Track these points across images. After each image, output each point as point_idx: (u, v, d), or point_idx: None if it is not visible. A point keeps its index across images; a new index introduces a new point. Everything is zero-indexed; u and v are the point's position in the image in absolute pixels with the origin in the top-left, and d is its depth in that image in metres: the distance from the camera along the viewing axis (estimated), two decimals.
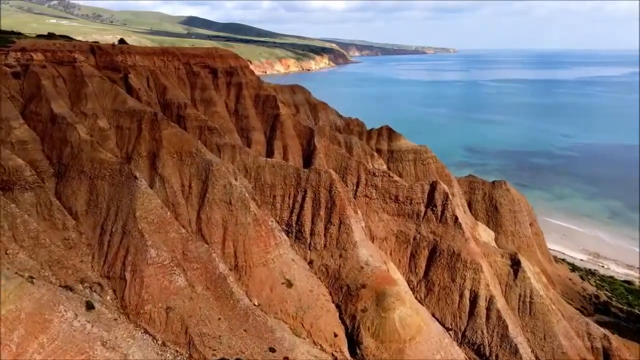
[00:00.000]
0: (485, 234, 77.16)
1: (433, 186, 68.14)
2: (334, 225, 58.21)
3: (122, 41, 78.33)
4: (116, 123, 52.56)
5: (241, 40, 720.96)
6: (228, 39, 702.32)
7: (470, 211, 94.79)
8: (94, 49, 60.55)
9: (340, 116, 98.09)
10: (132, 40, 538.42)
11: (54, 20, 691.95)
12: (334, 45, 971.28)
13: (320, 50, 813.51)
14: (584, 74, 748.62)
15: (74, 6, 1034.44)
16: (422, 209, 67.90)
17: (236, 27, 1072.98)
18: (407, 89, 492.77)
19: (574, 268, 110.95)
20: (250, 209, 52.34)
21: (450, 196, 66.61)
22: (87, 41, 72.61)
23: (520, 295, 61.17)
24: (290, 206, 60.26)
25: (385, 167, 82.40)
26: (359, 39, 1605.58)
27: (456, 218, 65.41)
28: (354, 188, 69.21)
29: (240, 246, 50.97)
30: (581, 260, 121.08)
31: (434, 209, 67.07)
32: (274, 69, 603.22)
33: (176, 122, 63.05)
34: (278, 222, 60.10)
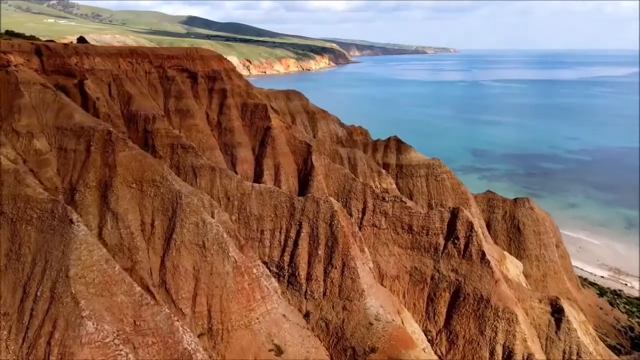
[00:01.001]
0: (513, 266, 65.95)
1: (454, 214, 56.76)
2: (336, 268, 46.85)
3: (81, 40, 66.60)
4: (58, 144, 41.17)
5: (241, 40, 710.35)
6: (228, 39, 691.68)
7: (489, 232, 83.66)
8: (40, 49, 49.11)
9: (342, 125, 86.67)
10: (130, 40, 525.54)
11: (51, 20, 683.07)
12: (334, 45, 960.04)
13: (320, 50, 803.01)
14: (586, 74, 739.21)
15: (73, 5, 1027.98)
16: (441, 241, 56.55)
17: (236, 26, 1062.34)
18: (409, 89, 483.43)
19: (601, 292, 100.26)
20: (230, 254, 40.96)
21: (475, 226, 55.27)
22: (39, 39, 61.25)
23: (564, 352, 49.91)
24: (282, 243, 48.92)
25: (394, 186, 71.02)
26: (359, 38, 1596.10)
27: (483, 254, 54.06)
28: (360, 216, 57.89)
29: (215, 303, 39.62)
30: (602, 277, 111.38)
31: (456, 242, 55.71)
32: (273, 69, 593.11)
33: (142, 139, 51.77)
34: (267, 264, 48.78)
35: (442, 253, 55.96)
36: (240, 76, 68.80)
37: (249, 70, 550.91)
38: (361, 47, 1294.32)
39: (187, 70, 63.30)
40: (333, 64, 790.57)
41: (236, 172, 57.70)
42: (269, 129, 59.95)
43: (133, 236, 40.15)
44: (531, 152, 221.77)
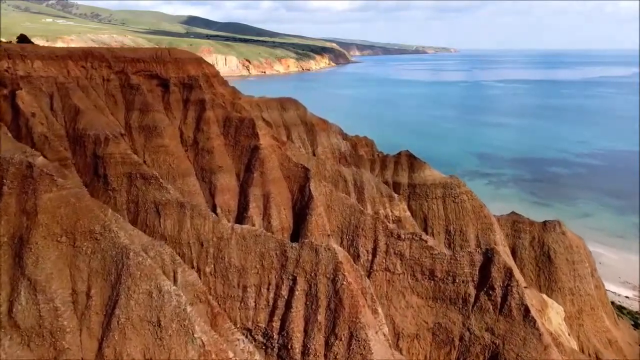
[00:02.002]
0: (554, 312, 54.77)
1: (488, 256, 45.43)
2: (341, 340, 35.44)
3: (23, 39, 54.94)
4: None
5: (241, 40, 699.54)
6: (228, 39, 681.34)
7: (515, 261, 72.36)
8: None
9: (345, 137, 75.32)
10: (128, 40, 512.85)
11: (50, 20, 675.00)
12: (334, 45, 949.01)
13: (320, 50, 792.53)
14: (589, 74, 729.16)
15: (72, 5, 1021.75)
16: (472, 291, 45.22)
17: (236, 26, 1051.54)
18: (410, 90, 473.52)
19: (635, 322, 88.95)
20: (195, 335, 29.56)
21: (515, 274, 43.99)
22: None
23: None
24: (271, 304, 37.53)
25: (408, 213, 59.71)
26: (360, 38, 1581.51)
27: (526, 310, 42.73)
28: (369, 258, 46.52)
29: None
30: (626, 297, 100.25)
31: (491, 292, 44.33)
32: (273, 69, 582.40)
33: (92, 166, 40.42)
34: (250, 331, 37.40)
35: (473, 306, 44.65)
36: (224, 83, 57.33)
37: (248, 70, 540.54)
38: (361, 47, 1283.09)
39: (157, 77, 51.56)
40: (333, 64, 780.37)
41: (215, 205, 46.40)
42: (257, 149, 48.33)
43: (58, 313, 28.74)
44: (537, 155, 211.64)
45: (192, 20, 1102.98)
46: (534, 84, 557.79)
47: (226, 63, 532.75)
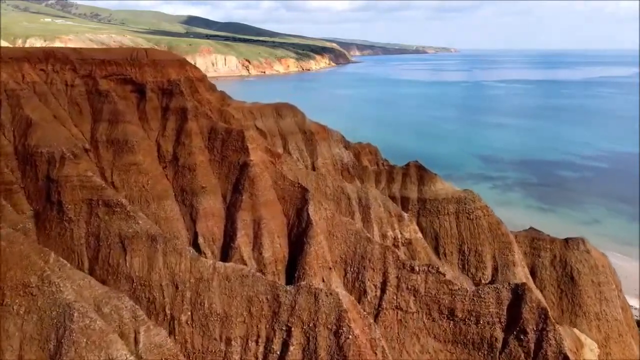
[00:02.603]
0: (587, 350, 48.08)
1: (518, 293, 38.71)
2: None
3: None
4: None
5: (241, 40, 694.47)
6: (227, 39, 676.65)
7: (534, 282, 65.62)
8: None
9: (347, 146, 68.49)
10: (127, 40, 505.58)
11: (48, 19, 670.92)
12: (334, 45, 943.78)
13: (320, 50, 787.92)
14: (590, 74, 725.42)
15: (72, 5, 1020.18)
16: (499, 334, 38.45)
17: (236, 26, 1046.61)
18: (411, 90, 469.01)
19: None
20: None
21: (550, 316, 37.28)
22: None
23: None
24: None
25: (419, 234, 52.86)
26: (360, 38, 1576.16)
27: (566, 359, 36.08)
28: (378, 293, 39.70)
29: None
30: None
31: (522, 337, 37.54)
32: (273, 69, 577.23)
33: (44, 191, 33.52)
34: None
35: (500, 353, 37.90)
36: (211, 88, 50.36)
37: (248, 70, 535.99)
38: (362, 47, 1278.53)
39: (131, 82, 44.35)
40: (333, 64, 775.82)
41: (197, 233, 39.60)
42: (247, 165, 41.30)
43: None
44: (541, 157, 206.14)
45: (192, 20, 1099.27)
46: (535, 84, 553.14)
47: (226, 63, 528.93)
